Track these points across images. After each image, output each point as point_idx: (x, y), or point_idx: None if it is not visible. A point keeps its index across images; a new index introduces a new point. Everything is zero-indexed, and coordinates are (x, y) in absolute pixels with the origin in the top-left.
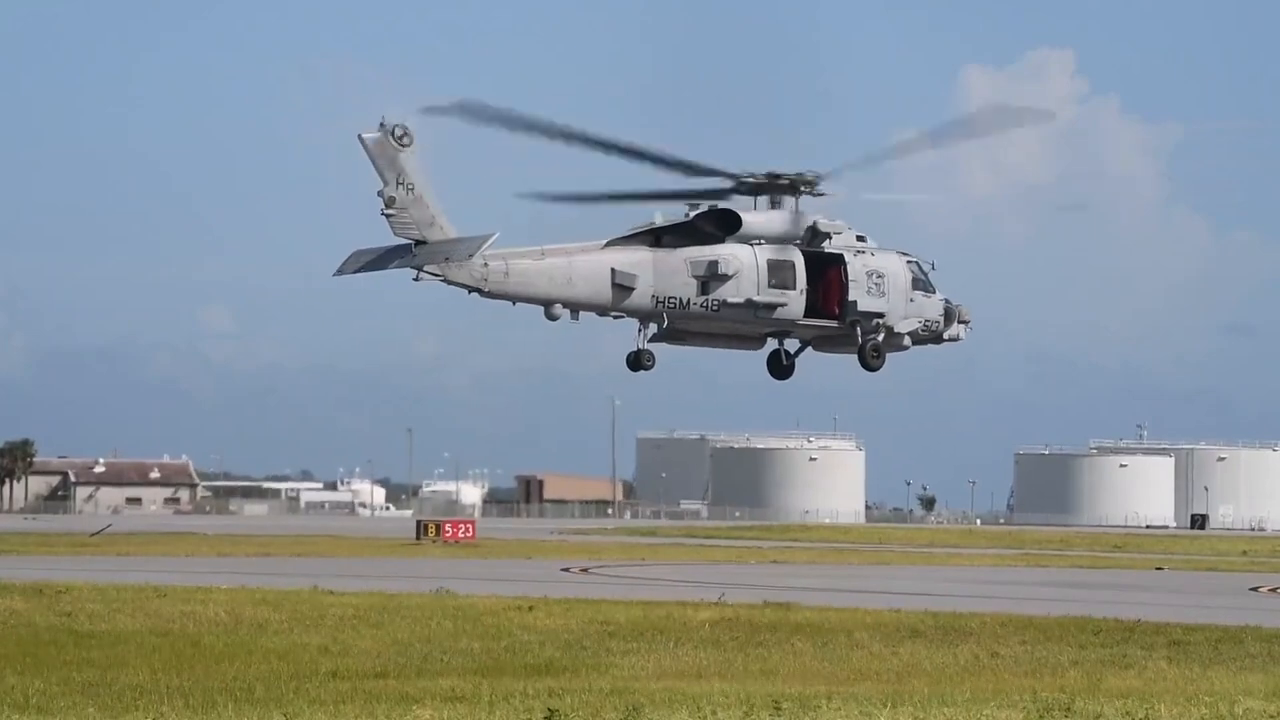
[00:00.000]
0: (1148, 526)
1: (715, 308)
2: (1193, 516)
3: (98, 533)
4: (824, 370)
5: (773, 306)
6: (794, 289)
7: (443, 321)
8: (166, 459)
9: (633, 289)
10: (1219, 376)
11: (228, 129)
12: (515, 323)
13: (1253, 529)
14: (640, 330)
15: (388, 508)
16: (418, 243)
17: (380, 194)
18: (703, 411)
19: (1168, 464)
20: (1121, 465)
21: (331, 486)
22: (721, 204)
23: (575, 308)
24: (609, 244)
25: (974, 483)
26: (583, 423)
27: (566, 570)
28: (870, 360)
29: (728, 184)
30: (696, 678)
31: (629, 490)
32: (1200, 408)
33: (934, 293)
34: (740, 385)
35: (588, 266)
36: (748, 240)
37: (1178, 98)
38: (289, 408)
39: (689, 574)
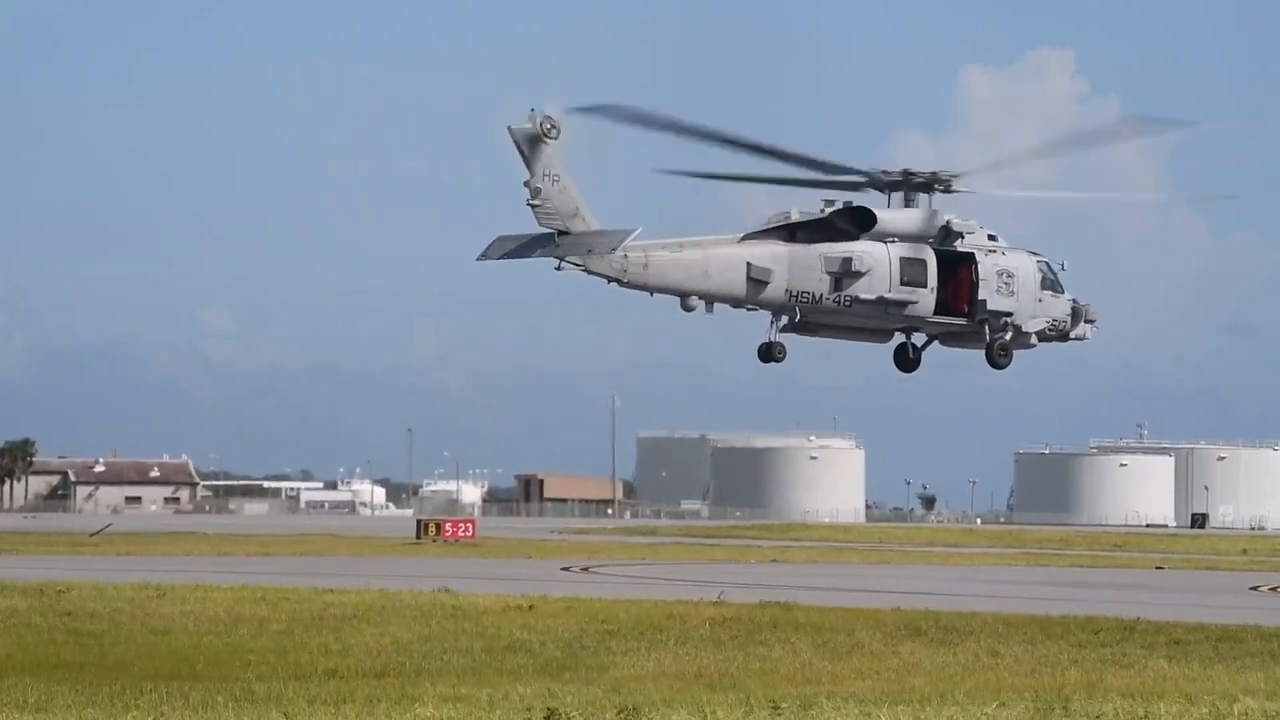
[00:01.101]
0: (1148, 526)
1: (847, 303)
2: (1193, 516)
3: (98, 532)
4: (824, 370)
5: (904, 304)
6: (925, 287)
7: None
8: (166, 458)
9: (767, 283)
10: (1219, 376)
11: (228, 129)
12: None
13: (1253, 528)
14: (772, 323)
15: (388, 507)
16: (560, 233)
17: (526, 184)
18: (703, 411)
19: (1168, 464)
20: (1121, 465)
21: (331, 486)
22: (856, 200)
23: (710, 299)
24: (745, 237)
25: (974, 482)
26: (583, 422)
27: (566, 570)
28: (998, 358)
29: (861, 179)
30: (696, 677)
31: (629, 490)
32: (1200, 408)
33: (1063, 292)
34: (740, 385)
35: (724, 259)
36: (882, 238)
37: (1178, 98)
38: (289, 408)
39: (689, 574)
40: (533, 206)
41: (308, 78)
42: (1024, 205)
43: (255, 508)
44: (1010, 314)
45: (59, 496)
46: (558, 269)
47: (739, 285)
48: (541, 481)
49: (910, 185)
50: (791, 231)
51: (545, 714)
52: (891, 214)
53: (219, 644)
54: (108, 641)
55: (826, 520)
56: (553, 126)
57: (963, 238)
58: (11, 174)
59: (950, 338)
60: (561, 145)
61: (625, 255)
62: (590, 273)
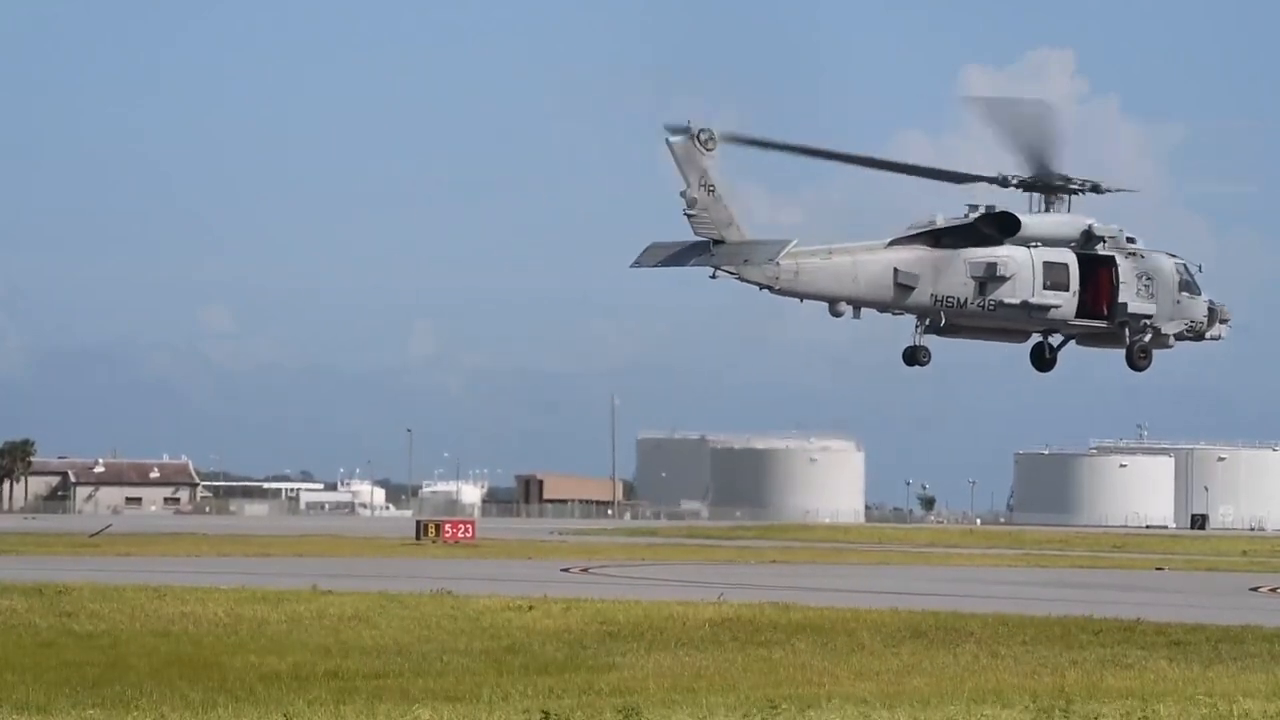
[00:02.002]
0: (1148, 526)
1: (992, 307)
2: (1193, 516)
3: (97, 533)
4: (824, 370)
5: (1047, 308)
6: (1068, 290)
7: (444, 319)
8: (166, 459)
9: (914, 288)
10: (1219, 376)
11: (227, 129)
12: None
13: (1253, 529)
14: (917, 326)
15: (388, 508)
16: (716, 242)
17: (683, 194)
18: (703, 411)
19: (1168, 464)
20: (1121, 465)
21: (331, 487)
22: (998, 205)
23: (858, 305)
24: (891, 243)
25: (974, 483)
26: (583, 423)
27: (566, 570)
28: (1137, 360)
29: (992, 174)
30: (696, 678)
31: (629, 490)
32: (1200, 408)
33: (1199, 294)
34: (740, 385)
35: (872, 266)
36: (1025, 242)
37: (1178, 98)
38: (289, 408)
39: (689, 574)
40: (689, 216)
41: (308, 78)
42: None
43: (255, 509)
44: (1150, 316)
45: (59, 497)
46: (712, 277)
47: (886, 290)
48: (541, 482)
49: (1051, 188)
50: (937, 237)
51: (544, 714)
52: (1036, 219)
53: (219, 644)
54: (108, 642)
55: (826, 521)
56: (709, 138)
57: (1104, 241)
58: (11, 174)
59: (1089, 339)
60: (718, 155)
61: (777, 264)
62: (743, 280)
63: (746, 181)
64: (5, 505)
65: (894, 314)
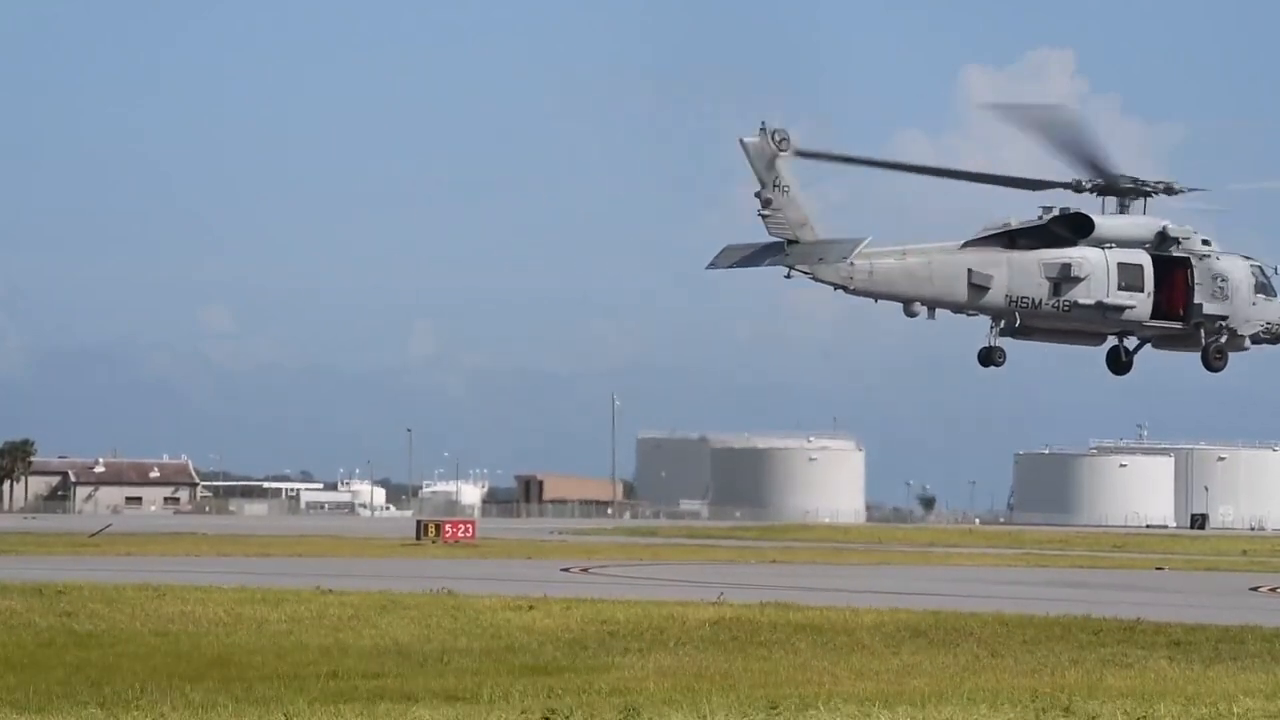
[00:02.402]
0: (1148, 526)
1: (1066, 308)
2: (1193, 516)
3: (97, 533)
4: (824, 370)
5: (1121, 308)
6: (1142, 292)
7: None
8: (166, 459)
9: (988, 289)
10: (1219, 377)
11: (228, 129)
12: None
13: (1253, 529)
14: (992, 327)
15: (388, 508)
16: (790, 242)
17: (757, 195)
18: (703, 411)
19: (1168, 464)
20: (1121, 465)
21: (331, 487)
22: (1072, 207)
23: (933, 305)
24: (965, 245)
25: (974, 483)
26: (583, 423)
27: (566, 570)
28: (1213, 362)
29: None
30: (696, 678)
31: (629, 490)
32: (1200, 408)
33: (1275, 295)
34: (740, 386)
35: (946, 267)
36: (1100, 244)
37: (1178, 98)
38: (289, 408)
39: (689, 574)
40: (763, 216)
41: (308, 78)
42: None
43: (255, 508)
44: (1225, 317)
45: (59, 497)
46: (787, 277)
47: (961, 291)
48: (541, 482)
49: (1125, 191)
50: (1011, 238)
51: (544, 714)
52: (1109, 220)
53: (219, 644)
54: (108, 641)
55: (826, 521)
56: (783, 139)
57: (1179, 243)
58: (11, 174)
59: (1164, 341)
60: (792, 156)
61: (852, 264)
62: (817, 280)
63: (746, 181)
64: (5, 505)
65: (968, 315)
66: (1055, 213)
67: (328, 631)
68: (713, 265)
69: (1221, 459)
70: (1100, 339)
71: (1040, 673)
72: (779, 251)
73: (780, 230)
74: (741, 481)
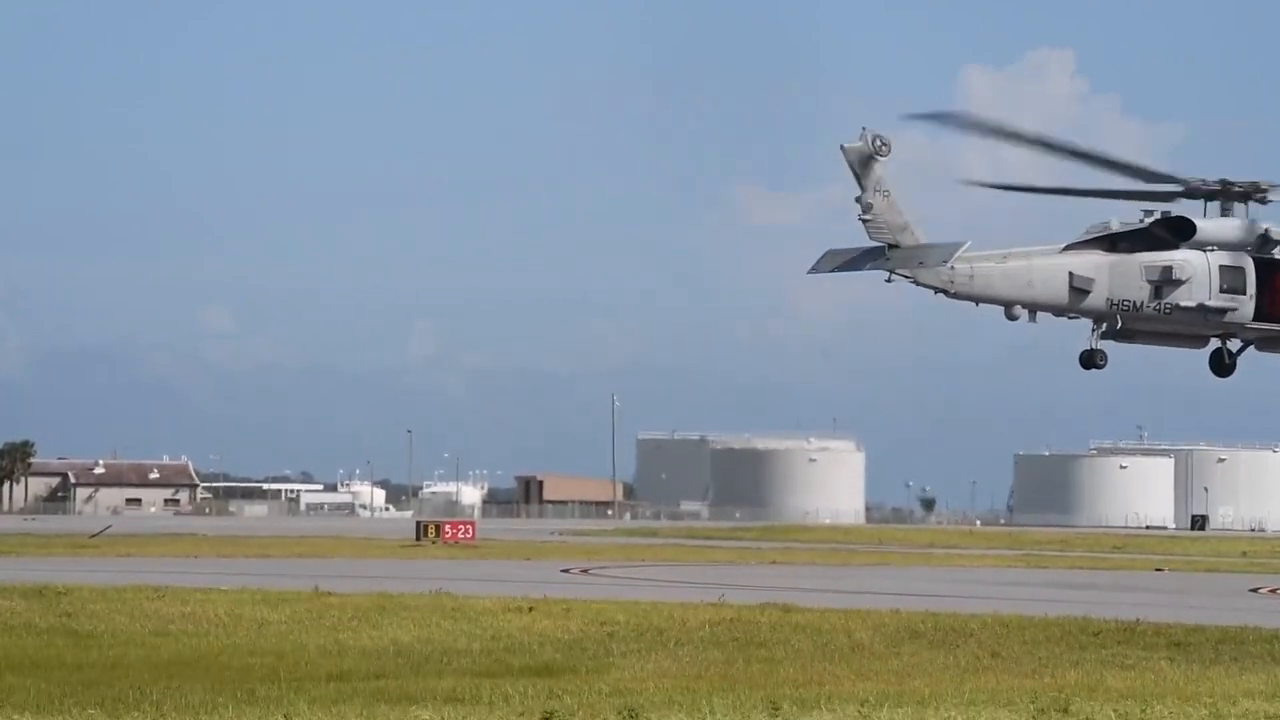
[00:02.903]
0: (1148, 527)
1: (1167, 311)
2: (1193, 517)
3: (97, 534)
4: (824, 370)
5: (1223, 311)
6: (1244, 294)
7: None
8: (166, 460)
9: (1089, 291)
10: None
11: (228, 129)
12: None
13: (1253, 529)
14: (1093, 330)
15: (388, 509)
16: (891, 246)
17: (858, 200)
18: (703, 412)
19: (1168, 465)
20: (1121, 466)
21: (331, 488)
22: (1173, 210)
23: (1034, 309)
24: (1066, 248)
25: (974, 483)
26: (583, 423)
27: (566, 571)
28: None
29: (1178, 188)
30: (696, 679)
31: (629, 491)
32: (1200, 409)
33: None
34: (740, 386)
35: (1047, 270)
36: (1201, 246)
37: (1178, 98)
38: (289, 408)
39: (689, 575)
40: (864, 221)
41: (308, 78)
42: None
43: (255, 509)
44: None
45: (59, 498)
46: (888, 281)
47: (1062, 295)
48: (541, 483)
49: (1227, 195)
50: (1112, 241)
51: (545, 715)
52: (1210, 223)
53: (219, 645)
54: (108, 642)
55: (826, 522)
56: (883, 144)
57: None
58: (11, 174)
59: (1267, 343)
60: (892, 161)
61: (952, 267)
62: (918, 284)
63: (746, 181)
64: (5, 506)
65: (1069, 318)
66: (1157, 215)
67: (328, 632)
68: (814, 270)
69: (1221, 460)
70: (1202, 341)
71: (1040, 673)
72: (880, 256)
73: (880, 235)
74: (741, 482)
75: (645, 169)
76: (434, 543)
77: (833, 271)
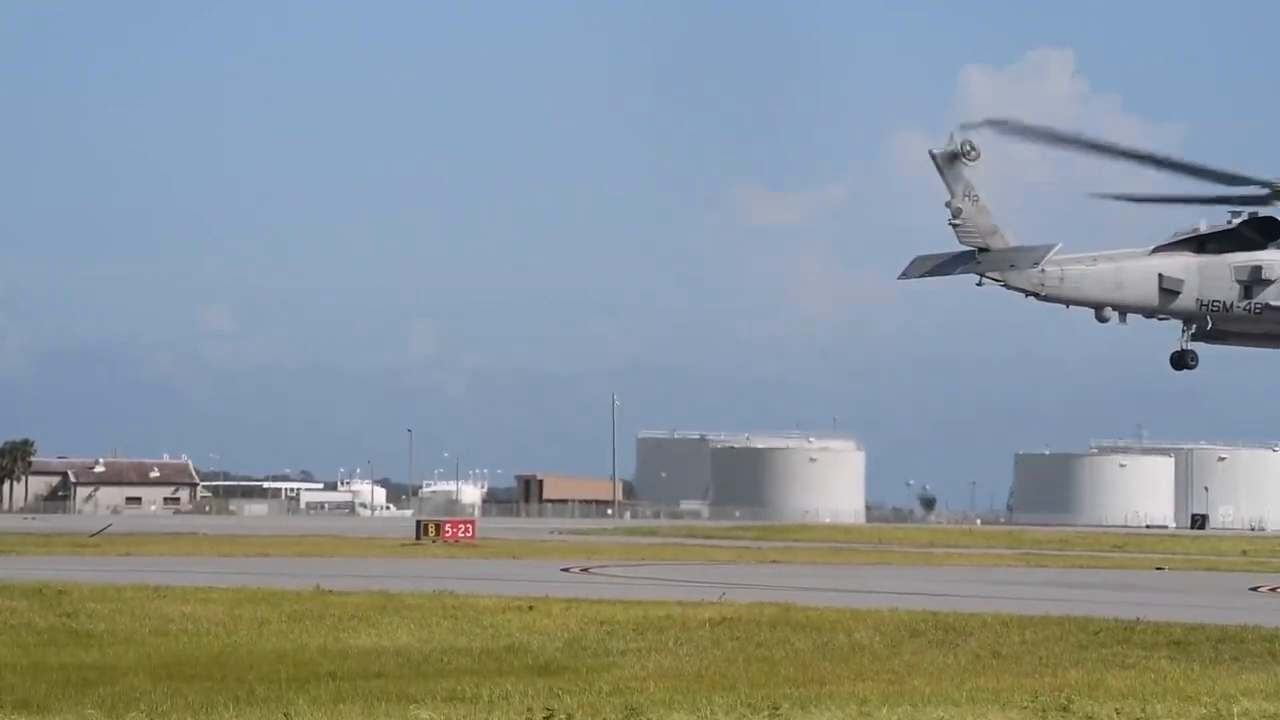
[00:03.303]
0: (1148, 526)
1: (1258, 310)
2: (1193, 516)
3: (98, 533)
4: (824, 370)
5: None
6: None
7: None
8: (166, 459)
9: (1178, 293)
10: (1219, 376)
11: (228, 129)
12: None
13: (1253, 529)
14: (1183, 331)
15: (388, 508)
16: (981, 250)
17: (948, 205)
18: (703, 411)
19: (1168, 464)
20: (1121, 465)
21: (331, 487)
22: (1262, 211)
23: (1124, 310)
24: (1155, 250)
25: (974, 483)
26: (583, 422)
27: (566, 570)
28: None
29: (1263, 191)
30: (696, 678)
31: (629, 490)
32: (1200, 408)
33: None
34: (740, 386)
35: (1136, 272)
36: None
37: (1178, 98)
38: (289, 408)
39: (689, 574)
40: (954, 226)
41: (308, 78)
42: None
43: (255, 508)
44: None
45: (59, 497)
46: (979, 284)
47: (1151, 296)
48: (541, 482)
49: None
50: (1201, 243)
51: (545, 714)
52: None
53: (219, 644)
54: (108, 641)
55: (826, 521)
56: (972, 149)
57: None
58: (11, 174)
59: None
60: (981, 166)
61: (1043, 270)
62: (1009, 287)
63: (746, 181)
64: (5, 505)
65: (1159, 319)
66: (1245, 216)
67: (328, 631)
68: (904, 276)
69: (1221, 459)
70: None
71: (1040, 673)
72: (970, 260)
73: (971, 239)
74: (741, 481)
75: (645, 169)
76: (434, 542)
77: (921, 277)
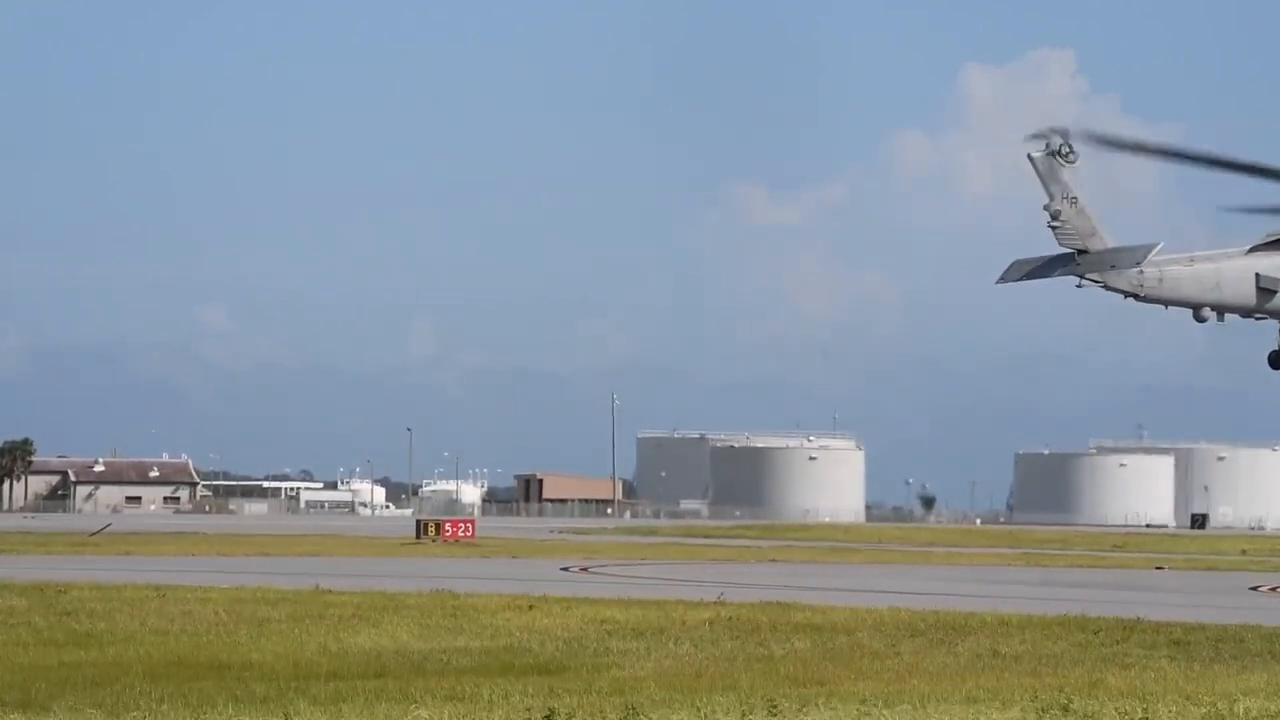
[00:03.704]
0: (1148, 526)
1: None
2: (1193, 516)
3: (97, 532)
4: (824, 370)
5: None
6: None
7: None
8: (166, 458)
9: (1276, 291)
10: (1219, 376)
11: (227, 129)
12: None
13: (1253, 529)
14: None
15: (388, 507)
16: (1080, 251)
17: (1046, 208)
18: (703, 411)
19: (1168, 464)
20: (1121, 465)
21: (331, 486)
22: None
23: (1222, 310)
24: (1252, 250)
25: (974, 483)
26: (583, 422)
27: (566, 570)
28: None
29: None
30: (696, 677)
31: (629, 490)
32: (1200, 408)
33: None
34: (740, 386)
35: (1234, 272)
36: None
37: (1178, 98)
38: (289, 408)
39: (689, 574)
40: (1053, 228)
41: (308, 78)
42: None
43: (255, 508)
44: None
45: (59, 496)
46: (1078, 286)
47: (1249, 296)
48: (541, 481)
49: None
50: None
51: (545, 714)
52: None
53: (219, 644)
54: (108, 641)
55: (826, 520)
56: (1070, 150)
57: None
58: (11, 174)
59: None
60: (1079, 168)
61: (1142, 271)
62: (1109, 288)
63: (746, 181)
64: (5, 505)
65: (1256, 319)
66: None
67: (328, 631)
68: (1003, 279)
69: (1221, 459)
70: None
71: (1040, 672)
72: (1069, 262)
73: (1070, 241)
74: (741, 481)
75: (645, 169)
76: (434, 541)
77: (1021, 280)
